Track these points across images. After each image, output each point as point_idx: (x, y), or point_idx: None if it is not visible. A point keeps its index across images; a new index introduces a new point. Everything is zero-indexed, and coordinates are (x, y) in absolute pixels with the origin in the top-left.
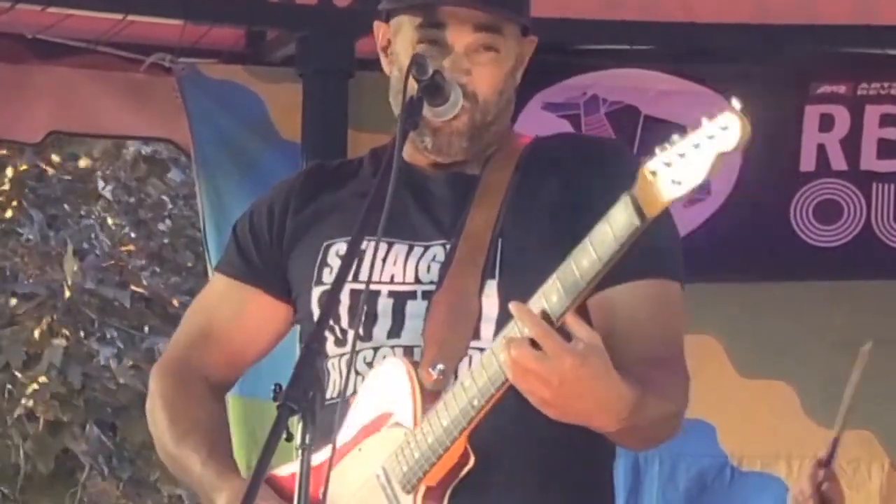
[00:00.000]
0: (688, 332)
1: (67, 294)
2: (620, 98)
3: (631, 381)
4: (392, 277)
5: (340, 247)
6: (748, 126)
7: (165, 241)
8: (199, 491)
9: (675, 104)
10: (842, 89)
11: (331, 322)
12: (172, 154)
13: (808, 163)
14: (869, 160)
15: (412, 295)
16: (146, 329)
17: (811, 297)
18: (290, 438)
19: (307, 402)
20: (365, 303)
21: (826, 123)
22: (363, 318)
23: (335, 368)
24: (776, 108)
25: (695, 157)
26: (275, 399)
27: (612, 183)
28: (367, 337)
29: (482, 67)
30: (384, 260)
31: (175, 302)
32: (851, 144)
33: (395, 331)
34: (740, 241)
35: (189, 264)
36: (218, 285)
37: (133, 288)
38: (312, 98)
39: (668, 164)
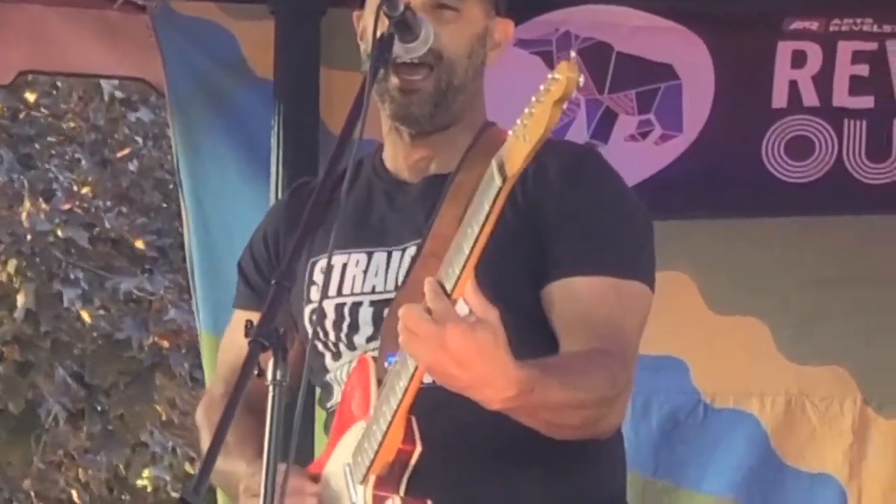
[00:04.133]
0: (659, 269)
1: (29, 237)
2: (593, 34)
3: (529, 365)
4: (373, 288)
5: (323, 263)
6: (575, 74)
7: (132, 181)
8: (230, 491)
9: (649, 41)
10: (814, 25)
11: (321, 338)
12: (142, 94)
13: (779, 99)
14: (841, 97)
15: (390, 302)
16: (113, 270)
17: (783, 233)
18: (261, 374)
19: (278, 337)
20: (349, 315)
21: (798, 60)
22: (347, 330)
23: (336, 381)
24: (748, 44)
25: (537, 110)
26: (246, 335)
27: (583, 191)
28: (351, 346)
29: (445, 25)
30: (365, 271)
31: (141, 243)
32: (823, 81)
33: (374, 336)
34: (712, 178)
35: (157, 205)
36: (237, 321)
37: (99, 229)
38: (284, 35)
39: (524, 124)
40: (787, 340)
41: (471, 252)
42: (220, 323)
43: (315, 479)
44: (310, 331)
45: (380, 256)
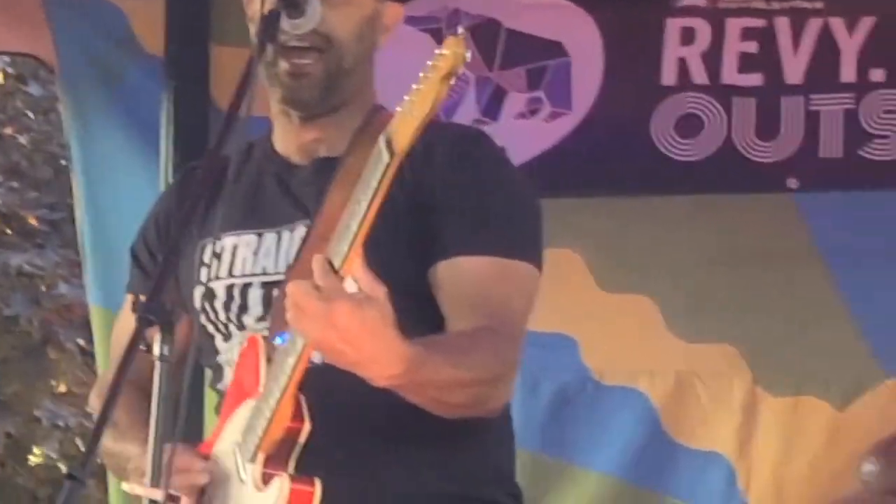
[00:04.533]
0: (549, 247)
1: None
2: (482, 12)
3: (416, 342)
4: (263, 269)
5: (214, 245)
6: (462, 50)
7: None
8: (118, 471)
9: (538, 18)
10: (702, 2)
11: (212, 319)
12: (32, 69)
13: (669, 76)
14: (730, 74)
15: (279, 283)
16: (3, 245)
17: (673, 212)
18: (148, 350)
19: (165, 313)
20: (241, 297)
21: (687, 37)
22: (237, 311)
23: (226, 363)
24: (637, 21)
25: (424, 86)
26: (134, 311)
27: (471, 172)
28: (241, 327)
29: (335, 9)
30: (255, 253)
31: (32, 218)
32: (712, 58)
33: (263, 316)
34: (601, 155)
35: (48, 179)
36: (128, 306)
37: None
38: (174, 11)
39: (411, 100)
40: (676, 318)
41: (359, 229)
42: (110, 297)
43: (204, 457)
44: (199, 312)
45: (270, 238)
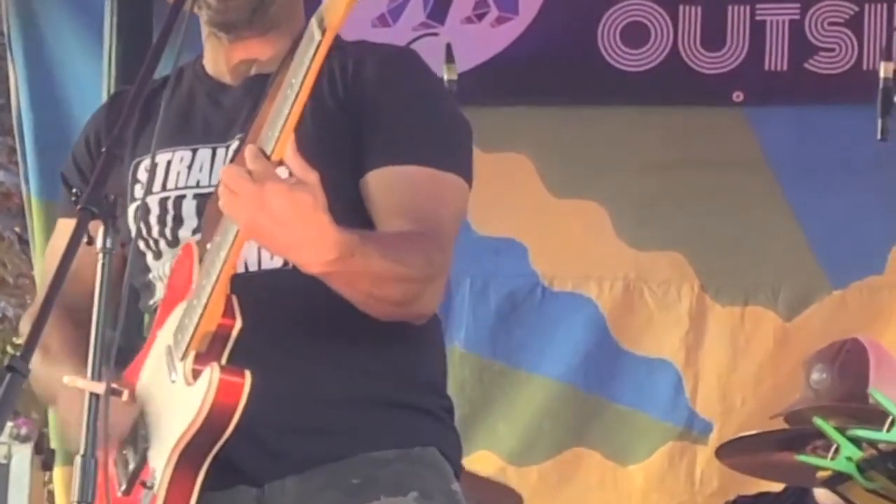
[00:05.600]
0: (498, 151)
1: None
2: None
3: (350, 231)
4: (197, 182)
5: (147, 162)
6: None
7: None
8: (48, 395)
9: None
10: None
11: (144, 235)
12: None
13: None
14: None
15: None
16: None
17: (621, 121)
18: (91, 242)
19: (108, 205)
20: (173, 209)
21: None
22: (171, 224)
23: (158, 278)
24: None
25: None
26: (76, 203)
27: (402, 85)
28: (174, 242)
29: None
30: (189, 167)
31: None
32: None
33: (198, 228)
34: (548, 63)
35: None
36: (61, 230)
37: None
38: None
39: None
40: (625, 225)
41: (290, 112)
42: (51, 189)
43: (130, 386)
44: (133, 228)
45: (204, 153)
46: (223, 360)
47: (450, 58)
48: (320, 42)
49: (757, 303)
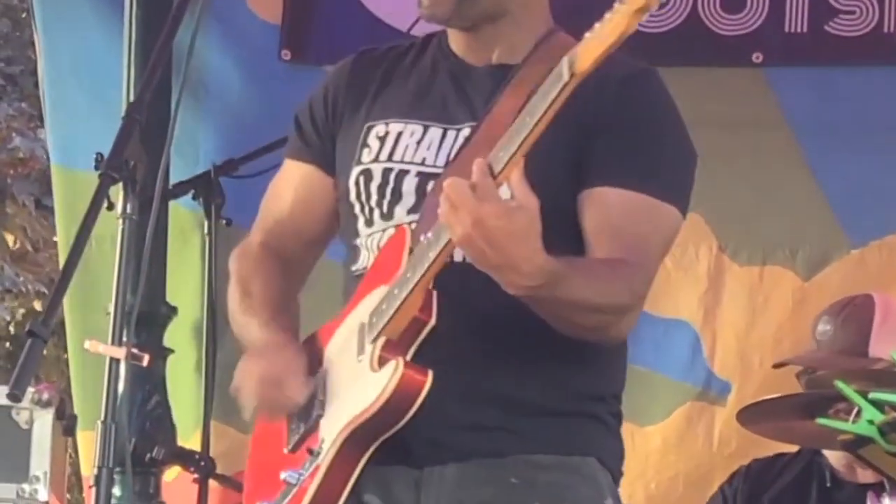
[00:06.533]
0: None
1: None
2: None
3: (558, 258)
4: (423, 160)
5: (380, 129)
6: None
7: None
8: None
9: None
10: None
11: (362, 200)
12: None
13: None
14: None
15: (436, 176)
16: None
17: None
18: (111, 207)
19: (128, 170)
20: (395, 182)
21: None
22: (390, 197)
23: (364, 246)
24: None
25: (617, 16)
26: (96, 168)
27: (640, 108)
28: (388, 216)
29: None
30: (419, 143)
31: None
32: None
33: (415, 208)
34: (567, 24)
35: (5, 32)
36: (286, 172)
37: None
38: None
39: (602, 26)
40: None
41: (524, 140)
42: (69, 155)
43: (320, 345)
44: (353, 190)
45: (435, 131)
46: (410, 354)
47: None
48: (566, 84)
49: (775, 262)
